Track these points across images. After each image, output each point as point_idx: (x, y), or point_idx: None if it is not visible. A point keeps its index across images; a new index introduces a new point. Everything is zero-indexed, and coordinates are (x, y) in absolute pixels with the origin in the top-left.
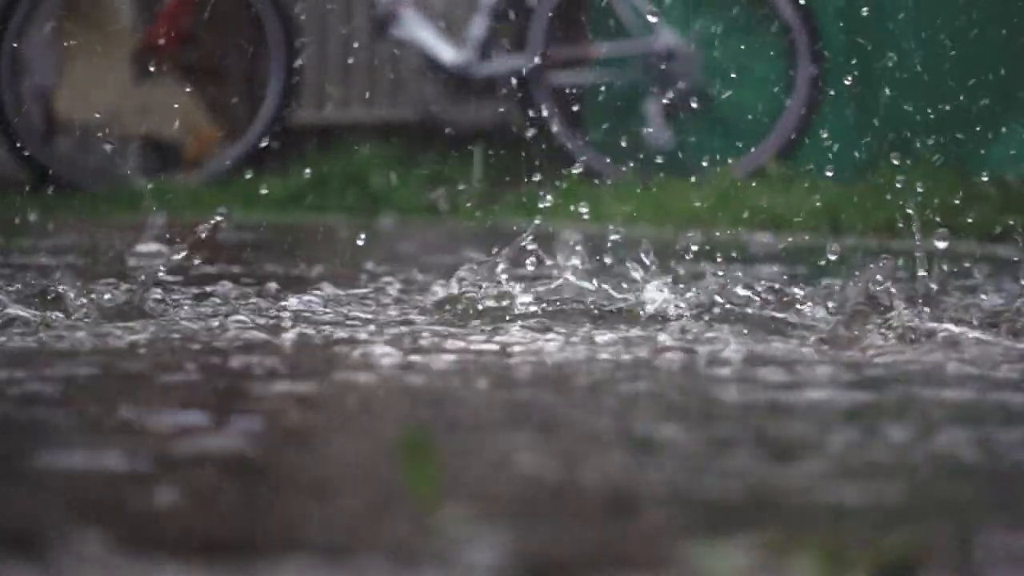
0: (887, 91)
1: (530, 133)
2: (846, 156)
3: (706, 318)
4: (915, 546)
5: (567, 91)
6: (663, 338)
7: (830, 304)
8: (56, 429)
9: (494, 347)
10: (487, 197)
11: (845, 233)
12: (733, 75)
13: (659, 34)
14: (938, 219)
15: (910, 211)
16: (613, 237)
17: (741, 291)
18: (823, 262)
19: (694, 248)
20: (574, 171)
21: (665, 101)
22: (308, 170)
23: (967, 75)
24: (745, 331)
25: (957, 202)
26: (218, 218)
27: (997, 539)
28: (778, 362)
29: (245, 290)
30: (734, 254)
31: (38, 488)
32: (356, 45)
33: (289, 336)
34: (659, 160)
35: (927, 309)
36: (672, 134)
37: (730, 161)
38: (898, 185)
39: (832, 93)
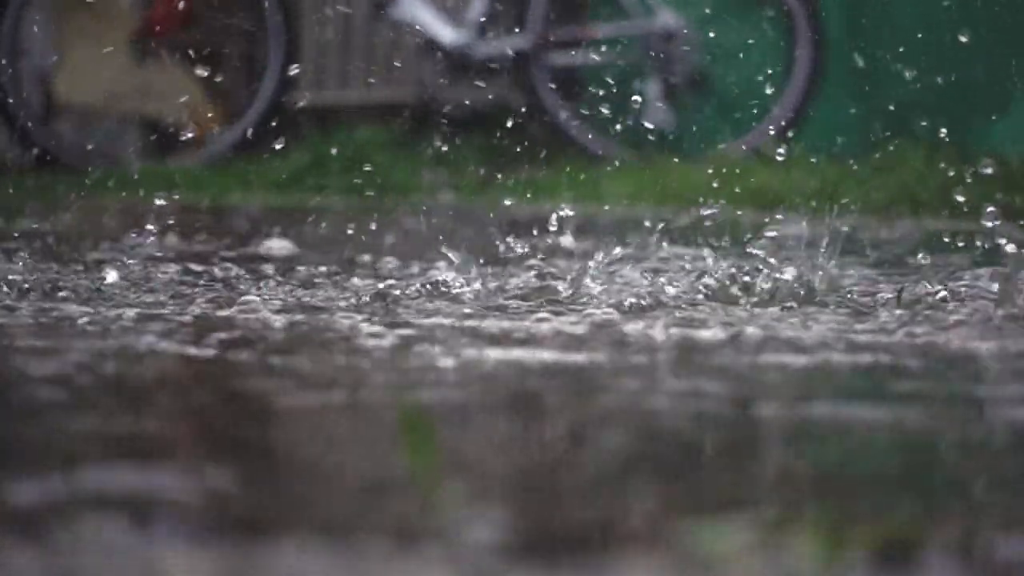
0: (888, 70)
1: (529, 114)
2: (846, 135)
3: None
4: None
5: (566, 72)
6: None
7: None
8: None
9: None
10: (487, 178)
11: (844, 213)
12: (733, 55)
13: (658, 14)
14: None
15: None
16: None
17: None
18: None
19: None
20: (573, 152)
21: (665, 82)
22: (307, 152)
23: (969, 53)
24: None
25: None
26: None
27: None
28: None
29: None
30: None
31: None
32: (355, 26)
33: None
34: (658, 140)
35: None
36: (672, 114)
37: (730, 141)
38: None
39: (832, 72)
